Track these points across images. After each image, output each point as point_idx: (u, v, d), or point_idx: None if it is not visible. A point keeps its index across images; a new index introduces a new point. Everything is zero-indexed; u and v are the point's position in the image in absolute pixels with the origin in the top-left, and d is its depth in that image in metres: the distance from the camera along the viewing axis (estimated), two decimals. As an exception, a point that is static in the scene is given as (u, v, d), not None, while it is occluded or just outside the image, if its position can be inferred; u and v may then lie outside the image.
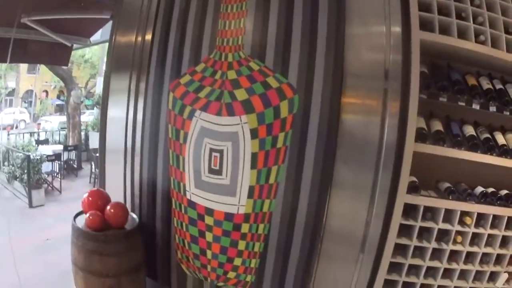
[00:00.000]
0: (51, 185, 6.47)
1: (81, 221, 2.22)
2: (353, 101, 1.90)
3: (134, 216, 2.35)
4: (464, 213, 2.11)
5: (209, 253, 2.11)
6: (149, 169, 2.29)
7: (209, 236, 2.07)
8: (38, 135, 10.07)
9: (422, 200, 1.99)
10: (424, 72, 2.06)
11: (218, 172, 1.97)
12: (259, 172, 1.89)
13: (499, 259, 2.26)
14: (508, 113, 2.19)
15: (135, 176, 2.38)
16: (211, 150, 1.98)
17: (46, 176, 6.51)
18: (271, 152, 1.86)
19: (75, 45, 4.09)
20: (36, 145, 7.70)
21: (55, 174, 6.77)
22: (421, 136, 1.98)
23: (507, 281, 2.21)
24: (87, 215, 2.22)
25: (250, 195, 1.92)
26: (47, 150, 7.53)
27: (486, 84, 2.19)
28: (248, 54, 1.97)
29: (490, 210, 2.14)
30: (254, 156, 1.89)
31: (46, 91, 18.62)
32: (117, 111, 2.50)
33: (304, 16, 1.90)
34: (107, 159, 2.59)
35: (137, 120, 2.34)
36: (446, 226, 2.07)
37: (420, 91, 1.98)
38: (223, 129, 1.95)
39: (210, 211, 2.03)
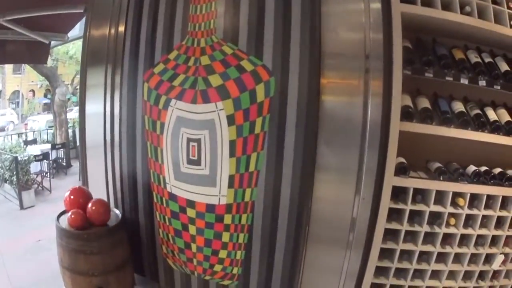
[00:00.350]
0: (41, 185, 6.42)
1: (65, 221, 2.17)
2: (333, 82, 1.81)
3: (117, 212, 2.29)
4: (456, 194, 2.02)
5: (193, 247, 2.05)
6: (129, 163, 2.22)
7: (192, 229, 2.00)
8: (26, 135, 10.01)
9: (412, 182, 1.91)
10: (407, 47, 1.96)
11: (197, 163, 1.89)
12: (238, 160, 1.81)
13: (494, 240, 2.18)
14: (498, 87, 2.09)
15: (116, 170, 2.31)
16: (189, 139, 1.90)
17: (35, 176, 6.44)
18: (249, 138, 1.78)
19: (55, 42, 3.99)
20: (24, 146, 7.64)
21: (44, 174, 6.71)
22: (407, 114, 1.89)
23: (503, 262, 2.12)
24: (69, 213, 2.16)
25: (231, 184, 1.85)
26: (35, 150, 7.45)
27: (474, 58, 2.10)
28: (221, 37, 1.88)
29: (484, 190, 2.06)
30: (232, 143, 1.81)
31: (33, 91, 18.51)
32: (95, 106, 2.42)
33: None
34: (88, 155, 2.52)
35: (114, 114, 2.27)
36: (438, 209, 1.98)
37: (404, 67, 1.89)
38: (199, 117, 1.87)
39: (191, 203, 1.96)
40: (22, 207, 5.54)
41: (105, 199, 2.36)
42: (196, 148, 1.89)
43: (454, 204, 2.02)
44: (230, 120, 1.80)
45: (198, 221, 1.97)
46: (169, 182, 2.01)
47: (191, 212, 1.97)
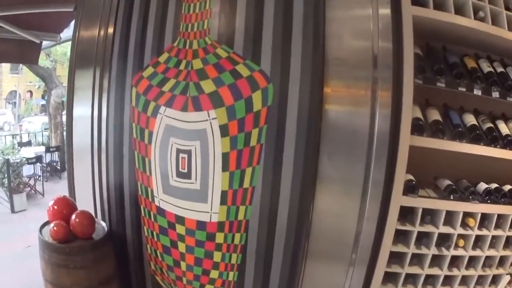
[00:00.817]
0: (33, 189, 6.30)
1: (48, 232, 2.04)
2: (338, 91, 1.66)
3: (104, 224, 2.14)
4: (466, 214, 1.88)
5: (183, 265, 1.90)
6: (115, 173, 2.07)
7: (181, 247, 1.85)
8: (21, 137, 9.87)
9: (421, 202, 1.76)
10: (418, 54, 1.81)
11: (187, 176, 1.75)
12: (231, 174, 1.66)
13: (502, 261, 2.04)
14: (512, 99, 1.94)
15: (103, 180, 2.16)
16: (178, 151, 1.75)
17: (28, 179, 6.32)
18: (244, 151, 1.63)
19: (49, 43, 3.84)
20: (18, 148, 7.50)
21: (37, 177, 6.58)
22: (418, 127, 1.74)
23: (509, 283, 1.99)
24: (52, 225, 2.02)
25: (223, 201, 1.70)
26: (29, 152, 7.33)
27: (486, 67, 1.95)
28: (215, 39, 1.73)
29: (495, 209, 1.91)
30: (225, 156, 1.66)
31: (31, 91, 18.32)
32: (82, 109, 2.27)
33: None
34: (75, 161, 2.37)
35: (102, 119, 2.12)
36: (448, 230, 1.84)
37: (415, 76, 1.74)
38: (190, 126, 1.72)
39: (181, 219, 1.81)
40: (13, 210, 5.44)
41: (92, 209, 2.22)
42: (186, 160, 1.74)
43: (464, 224, 1.87)
44: (224, 130, 1.66)
45: (187, 238, 1.82)
46: (157, 195, 1.86)
47: (180, 229, 1.82)
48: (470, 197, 1.84)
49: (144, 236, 2.00)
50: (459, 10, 1.90)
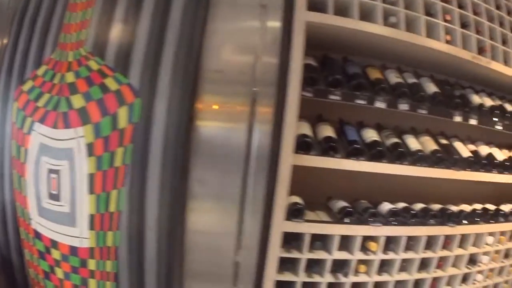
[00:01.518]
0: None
1: None
2: (212, 107, 1.53)
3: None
4: (368, 238, 1.73)
5: (63, 291, 1.77)
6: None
7: (59, 272, 1.72)
8: None
9: (307, 227, 1.62)
10: (310, 66, 1.68)
11: (57, 198, 1.61)
12: (98, 197, 1.53)
13: (418, 284, 1.89)
14: (425, 112, 1.81)
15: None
16: (49, 171, 1.63)
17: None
18: (108, 172, 1.50)
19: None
20: None
21: None
22: (304, 145, 1.60)
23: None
24: None
25: (91, 225, 1.56)
26: None
27: (394, 78, 1.81)
28: (89, 50, 1.60)
29: (402, 231, 1.76)
30: (91, 177, 1.53)
31: None
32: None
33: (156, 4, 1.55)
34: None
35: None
36: (343, 256, 1.69)
37: (304, 89, 1.61)
38: (60, 145, 1.59)
39: (55, 244, 1.67)
40: None
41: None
42: (56, 181, 1.61)
43: (365, 249, 1.73)
44: (90, 149, 1.52)
45: (63, 264, 1.68)
46: (33, 218, 1.73)
47: (56, 254, 1.69)
48: (370, 219, 1.69)
49: (25, 259, 1.87)
50: (367, 16, 1.78)
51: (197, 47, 1.50)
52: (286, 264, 1.67)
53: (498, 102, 2.14)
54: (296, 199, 1.65)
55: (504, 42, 2.19)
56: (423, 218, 1.79)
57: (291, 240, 1.67)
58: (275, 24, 1.57)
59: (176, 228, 1.50)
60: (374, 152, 1.67)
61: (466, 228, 1.93)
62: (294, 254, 1.65)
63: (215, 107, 1.53)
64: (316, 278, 1.69)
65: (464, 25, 1.99)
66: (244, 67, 1.54)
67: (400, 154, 1.72)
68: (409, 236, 1.77)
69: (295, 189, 1.69)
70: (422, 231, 1.78)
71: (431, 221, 1.81)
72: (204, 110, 1.51)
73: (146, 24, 1.56)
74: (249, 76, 1.51)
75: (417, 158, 1.74)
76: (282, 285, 1.67)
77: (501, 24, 2.22)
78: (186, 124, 1.46)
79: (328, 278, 1.67)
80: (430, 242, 1.85)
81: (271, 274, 1.57)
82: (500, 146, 2.24)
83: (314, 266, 1.69)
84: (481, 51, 2.02)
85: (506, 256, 2.25)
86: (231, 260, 1.54)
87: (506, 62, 2.13)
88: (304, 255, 1.64)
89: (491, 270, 2.17)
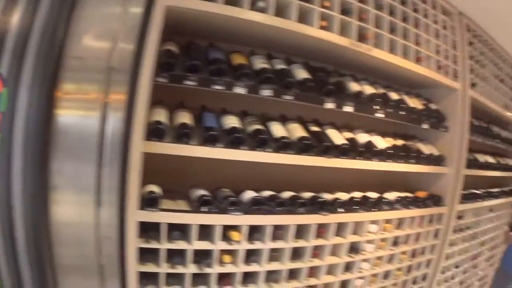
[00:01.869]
0: None
1: None
2: (69, 96, 1.47)
3: None
4: (230, 227, 1.69)
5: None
6: None
7: None
8: None
9: (162, 216, 1.55)
10: (169, 51, 1.63)
11: None
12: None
13: (293, 273, 1.87)
14: (291, 98, 1.79)
15: None
16: None
17: None
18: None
19: None
20: None
21: None
22: (157, 132, 1.55)
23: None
24: None
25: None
26: None
27: (259, 64, 1.78)
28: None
29: (266, 220, 1.73)
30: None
31: None
32: None
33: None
34: None
35: None
36: (204, 246, 1.64)
37: (158, 74, 1.56)
38: None
39: None
40: None
41: None
42: None
43: (228, 238, 1.68)
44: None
45: None
46: None
47: None
48: (230, 208, 1.65)
49: None
50: (234, 2, 1.72)
51: (62, 34, 1.44)
52: (149, 255, 1.61)
53: (382, 91, 2.16)
54: (153, 187, 1.59)
55: (393, 31, 2.20)
56: (291, 206, 1.77)
57: (151, 230, 1.61)
58: (136, 9, 1.52)
59: (41, 218, 1.43)
60: (231, 139, 1.64)
61: (341, 217, 1.92)
62: (153, 245, 1.59)
63: (73, 95, 1.47)
64: (179, 269, 1.63)
65: (345, 12, 1.97)
66: (101, 54, 1.46)
67: (261, 141, 1.69)
68: (276, 225, 1.74)
69: (157, 178, 1.64)
70: (290, 219, 1.75)
71: (301, 209, 1.79)
72: (62, 99, 1.44)
73: (20, 12, 1.50)
74: (105, 63, 1.46)
75: (281, 145, 1.72)
76: (149, 277, 1.62)
77: (391, 13, 2.22)
78: (45, 114, 1.39)
79: (191, 268, 1.62)
80: (302, 231, 1.83)
81: (133, 265, 1.50)
82: (387, 135, 2.26)
83: (177, 256, 1.64)
84: (362, 38, 2.01)
85: (395, 243, 2.27)
86: (94, 253, 1.48)
87: (391, 51, 2.13)
88: (163, 245, 1.57)
89: (379, 258, 2.18)
